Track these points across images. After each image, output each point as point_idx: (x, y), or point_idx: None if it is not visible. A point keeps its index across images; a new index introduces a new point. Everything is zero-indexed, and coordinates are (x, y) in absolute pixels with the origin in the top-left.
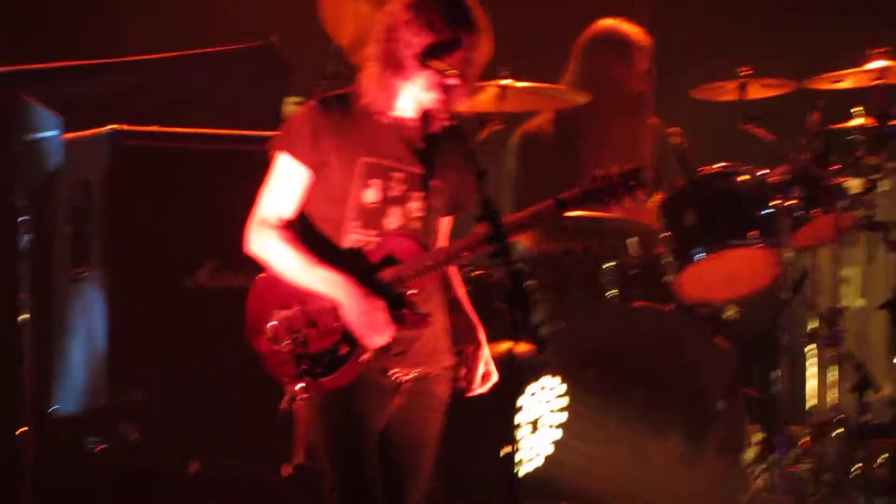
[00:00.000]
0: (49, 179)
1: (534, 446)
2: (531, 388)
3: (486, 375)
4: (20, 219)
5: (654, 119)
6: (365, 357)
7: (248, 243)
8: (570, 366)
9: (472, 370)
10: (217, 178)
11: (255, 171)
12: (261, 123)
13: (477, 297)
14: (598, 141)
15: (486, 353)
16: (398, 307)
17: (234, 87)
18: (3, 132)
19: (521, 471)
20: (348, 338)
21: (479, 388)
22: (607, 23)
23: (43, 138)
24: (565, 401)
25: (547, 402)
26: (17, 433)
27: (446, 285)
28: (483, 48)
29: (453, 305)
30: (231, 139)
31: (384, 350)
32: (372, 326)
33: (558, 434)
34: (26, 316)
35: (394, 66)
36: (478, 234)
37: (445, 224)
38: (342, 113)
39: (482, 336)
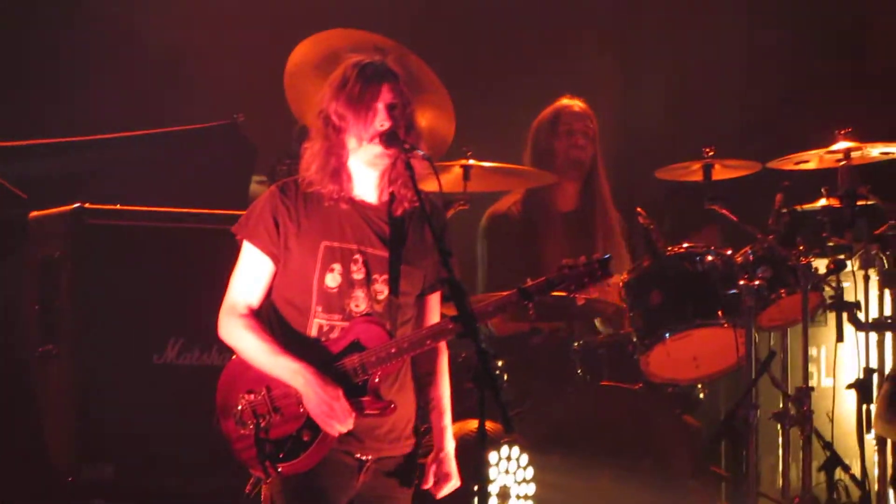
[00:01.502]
0: (14, 258)
1: None
2: (492, 457)
3: (444, 478)
4: None
5: (608, 193)
6: (327, 444)
7: (219, 329)
8: (538, 445)
9: (426, 475)
10: (183, 256)
11: (220, 249)
12: (226, 202)
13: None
14: (551, 214)
15: (447, 458)
16: (360, 395)
17: (199, 165)
18: None
19: None
20: (311, 424)
21: (439, 492)
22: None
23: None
24: (531, 471)
25: (512, 472)
26: None
27: (428, 373)
28: (406, 93)
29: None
30: (196, 217)
31: (347, 434)
32: (331, 415)
33: None
34: None
35: (326, 138)
36: (443, 323)
37: (433, 301)
38: (303, 197)
39: (446, 443)
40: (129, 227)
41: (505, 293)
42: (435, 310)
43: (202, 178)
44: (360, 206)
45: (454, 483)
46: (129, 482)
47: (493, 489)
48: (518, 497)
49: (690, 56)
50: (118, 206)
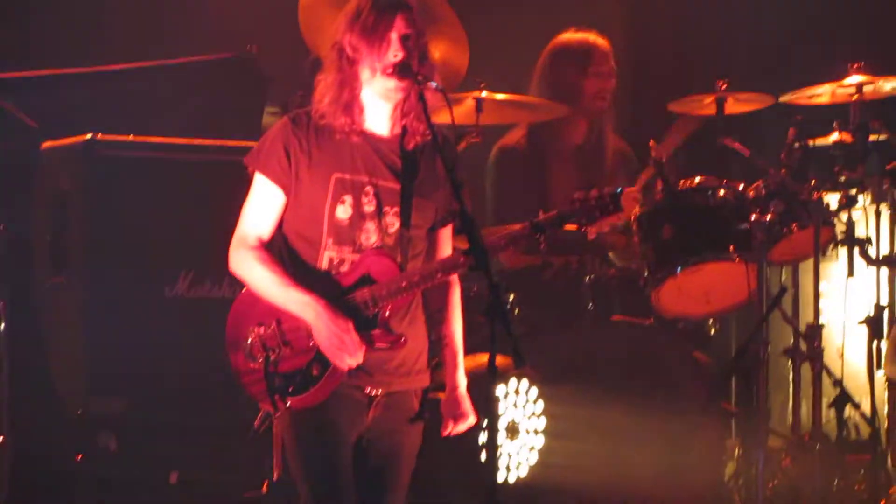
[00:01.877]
0: (25, 188)
1: (513, 454)
2: (500, 390)
3: (460, 416)
4: (1, 227)
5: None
6: (336, 378)
7: (229, 262)
8: (548, 379)
9: (445, 415)
10: (195, 188)
11: (232, 182)
12: (239, 133)
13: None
14: (562, 150)
15: (461, 397)
16: (370, 328)
17: (211, 96)
18: None
19: (502, 478)
20: (321, 358)
21: (455, 429)
22: (565, 35)
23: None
24: (541, 405)
25: (523, 406)
26: None
27: (440, 309)
28: (420, 24)
29: (441, 333)
30: (208, 149)
31: (357, 368)
32: (341, 348)
33: (540, 441)
34: (2, 325)
35: (339, 70)
36: (455, 256)
37: (444, 235)
38: (314, 129)
39: (459, 381)
40: (142, 159)
41: (516, 226)
42: (447, 243)
43: (215, 109)
44: (371, 139)
45: (470, 420)
46: (139, 416)
47: (502, 423)
48: (528, 431)
49: None
50: (130, 137)
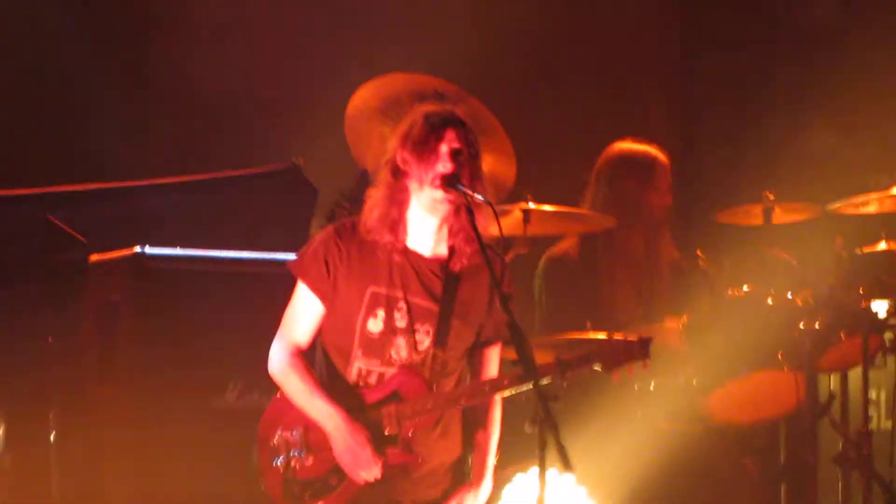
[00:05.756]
0: (73, 300)
1: None
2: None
3: None
4: (48, 340)
5: (670, 239)
6: (353, 489)
7: (269, 365)
8: (598, 486)
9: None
10: (242, 299)
11: (279, 293)
12: (286, 245)
13: (505, 419)
14: (616, 261)
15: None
16: (391, 444)
17: (259, 209)
18: (30, 253)
19: None
20: (339, 470)
21: None
22: (622, 144)
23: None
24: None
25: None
26: None
27: (475, 421)
28: (473, 142)
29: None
30: (255, 262)
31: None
32: (356, 462)
33: None
34: (52, 435)
35: (394, 189)
36: (479, 385)
37: (490, 354)
38: (357, 241)
39: (483, 484)
40: (189, 271)
41: (544, 361)
42: (493, 362)
43: (263, 221)
44: (412, 257)
45: None
46: None
47: None
48: None
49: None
50: (178, 250)
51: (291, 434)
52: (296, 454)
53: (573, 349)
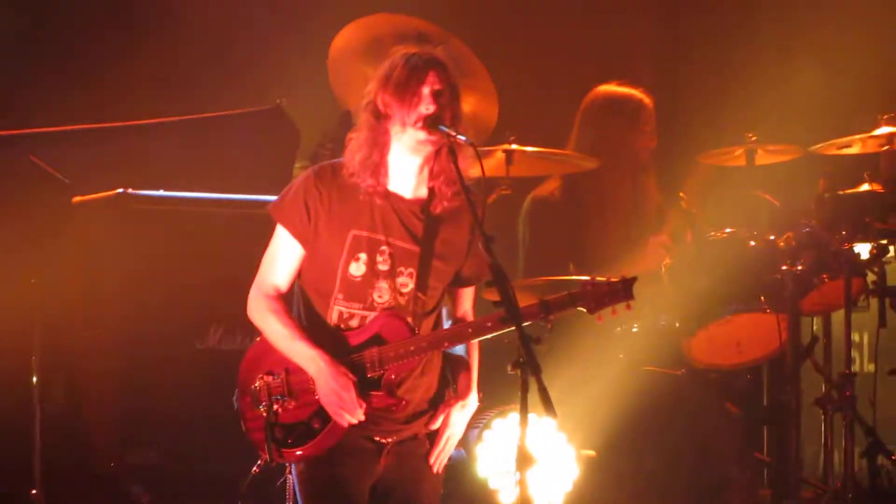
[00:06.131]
0: (57, 242)
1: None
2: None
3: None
4: (31, 281)
5: (654, 182)
6: (336, 433)
7: (247, 309)
8: (579, 429)
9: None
10: (225, 241)
11: (262, 235)
12: (269, 186)
13: (487, 362)
14: (604, 204)
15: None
16: (373, 388)
17: (242, 150)
18: (13, 195)
19: None
20: (322, 412)
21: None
22: (608, 87)
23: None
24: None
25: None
26: (30, 494)
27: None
28: (454, 82)
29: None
30: (238, 203)
31: (366, 418)
32: (340, 405)
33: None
34: (35, 378)
35: (371, 127)
36: (462, 328)
37: (465, 293)
38: (337, 184)
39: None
40: (172, 212)
41: (527, 304)
42: (467, 300)
43: (246, 162)
44: (394, 200)
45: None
46: (172, 468)
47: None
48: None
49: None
50: (161, 192)
51: (273, 378)
52: (278, 398)
53: (557, 291)
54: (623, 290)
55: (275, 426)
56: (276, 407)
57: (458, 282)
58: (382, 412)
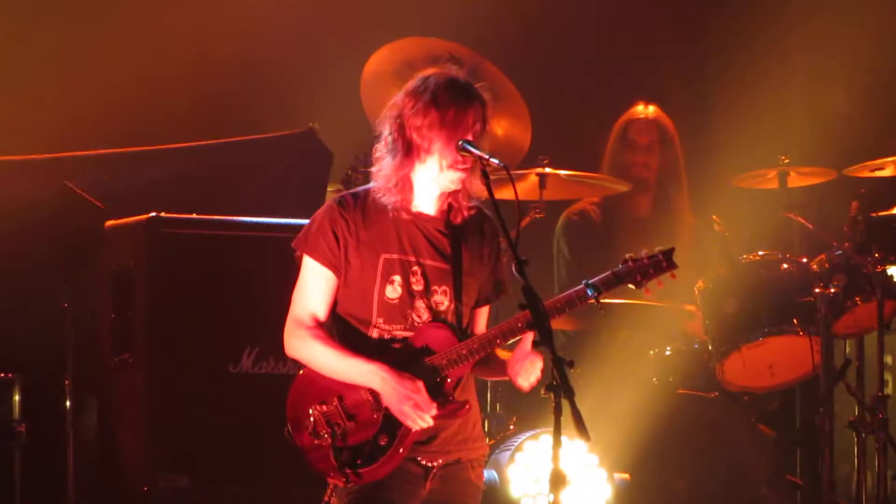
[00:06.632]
0: (89, 267)
1: None
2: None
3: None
4: (63, 305)
5: (686, 203)
6: (405, 445)
7: (286, 346)
8: (611, 450)
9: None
10: (258, 265)
11: (294, 259)
12: (303, 210)
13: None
14: (625, 224)
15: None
16: (435, 396)
17: (276, 174)
18: (46, 220)
19: None
20: (387, 428)
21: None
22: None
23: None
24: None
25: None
26: None
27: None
28: (489, 119)
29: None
30: (271, 226)
31: (416, 441)
32: (414, 407)
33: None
34: (68, 403)
35: (405, 155)
36: (513, 322)
37: (481, 313)
38: (361, 210)
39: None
40: (205, 236)
41: (572, 290)
42: (482, 320)
43: (279, 185)
44: (419, 218)
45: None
46: (204, 492)
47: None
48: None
49: (764, 63)
50: (193, 216)
51: (327, 407)
52: (338, 424)
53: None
54: (665, 261)
55: (343, 450)
56: (338, 432)
57: (477, 301)
58: (446, 419)
